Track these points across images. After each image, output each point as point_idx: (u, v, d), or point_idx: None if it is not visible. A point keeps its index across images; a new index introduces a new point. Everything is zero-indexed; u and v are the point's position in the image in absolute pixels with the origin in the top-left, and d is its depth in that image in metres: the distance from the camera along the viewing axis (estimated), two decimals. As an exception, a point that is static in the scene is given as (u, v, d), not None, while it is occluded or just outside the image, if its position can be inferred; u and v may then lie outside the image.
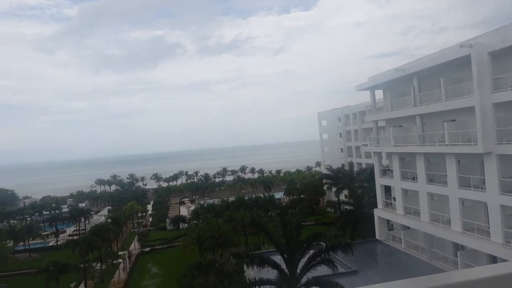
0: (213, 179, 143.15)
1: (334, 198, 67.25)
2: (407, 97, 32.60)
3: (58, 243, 70.78)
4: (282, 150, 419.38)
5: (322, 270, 23.79)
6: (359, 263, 30.47)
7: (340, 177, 63.77)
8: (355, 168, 68.12)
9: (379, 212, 38.05)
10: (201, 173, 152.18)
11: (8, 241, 62.02)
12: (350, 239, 40.13)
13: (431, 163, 31.33)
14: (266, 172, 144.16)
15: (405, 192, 34.83)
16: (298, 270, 23.26)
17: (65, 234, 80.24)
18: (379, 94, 40.94)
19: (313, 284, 22.95)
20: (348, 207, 52.05)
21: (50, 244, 72.37)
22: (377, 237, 38.25)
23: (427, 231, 30.51)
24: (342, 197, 62.73)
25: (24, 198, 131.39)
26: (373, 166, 42.79)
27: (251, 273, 28.54)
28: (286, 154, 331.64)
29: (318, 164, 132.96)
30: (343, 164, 72.66)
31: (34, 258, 62.43)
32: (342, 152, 77.11)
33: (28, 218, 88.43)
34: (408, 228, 33.97)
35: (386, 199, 38.32)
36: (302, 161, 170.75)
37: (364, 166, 66.19)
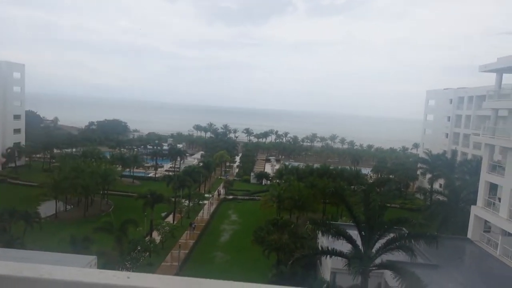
0: (301, 142, 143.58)
1: (426, 185, 62.46)
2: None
3: (156, 175, 79.58)
4: (376, 124, 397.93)
5: (399, 256, 22.77)
6: (442, 259, 28.31)
7: (439, 165, 58.51)
8: (458, 158, 61.66)
9: (477, 211, 34.30)
10: (291, 134, 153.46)
11: (117, 165, 71.58)
12: (437, 231, 37.29)
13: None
14: (356, 145, 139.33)
15: (515, 194, 30.54)
16: (373, 250, 22.63)
17: (162, 168, 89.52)
18: (507, 79, 35.42)
19: (387, 267, 22.24)
20: (441, 198, 47.94)
21: (149, 175, 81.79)
22: (469, 236, 34.84)
23: (534, 243, 26.71)
24: (436, 186, 57.91)
25: (134, 131, 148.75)
26: (481, 158, 38.14)
27: (324, 241, 28.67)
28: (381, 129, 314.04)
29: (415, 146, 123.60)
30: (444, 151, 66.25)
31: (136, 184, 71.49)
32: (447, 138, 70.00)
33: (135, 149, 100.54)
34: (511, 234, 30.12)
35: (489, 198, 34.24)
36: (396, 140, 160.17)
37: (469, 157, 59.45)
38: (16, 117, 79.21)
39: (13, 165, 74.13)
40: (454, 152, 63.67)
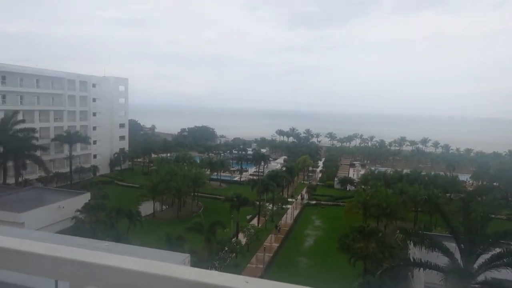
0: (388, 146, 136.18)
1: (541, 195, 54.40)
2: None
3: (241, 179, 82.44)
4: (473, 128, 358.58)
5: (506, 274, 20.25)
6: None
7: (557, 171, 50.59)
8: None
9: None
10: (376, 138, 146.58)
11: (206, 169, 75.84)
12: (556, 248, 32.19)
13: None
14: (452, 149, 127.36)
15: None
16: (475, 266, 20.50)
17: (247, 173, 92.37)
18: None
19: (492, 286, 19.94)
20: (561, 210, 41.33)
21: (235, 179, 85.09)
22: None
23: None
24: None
25: (221, 136, 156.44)
26: None
27: (416, 252, 26.78)
28: (481, 131, 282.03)
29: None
30: None
31: (222, 187, 74.96)
32: None
33: (222, 154, 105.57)
34: None
35: None
36: (498, 143, 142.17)
37: None
38: (121, 125, 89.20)
39: (118, 168, 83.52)
40: None
